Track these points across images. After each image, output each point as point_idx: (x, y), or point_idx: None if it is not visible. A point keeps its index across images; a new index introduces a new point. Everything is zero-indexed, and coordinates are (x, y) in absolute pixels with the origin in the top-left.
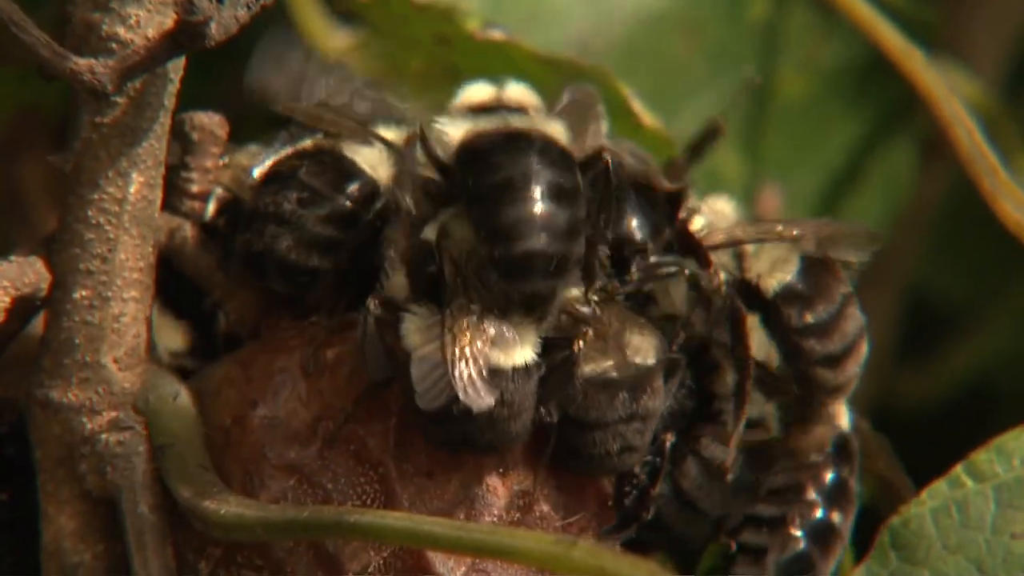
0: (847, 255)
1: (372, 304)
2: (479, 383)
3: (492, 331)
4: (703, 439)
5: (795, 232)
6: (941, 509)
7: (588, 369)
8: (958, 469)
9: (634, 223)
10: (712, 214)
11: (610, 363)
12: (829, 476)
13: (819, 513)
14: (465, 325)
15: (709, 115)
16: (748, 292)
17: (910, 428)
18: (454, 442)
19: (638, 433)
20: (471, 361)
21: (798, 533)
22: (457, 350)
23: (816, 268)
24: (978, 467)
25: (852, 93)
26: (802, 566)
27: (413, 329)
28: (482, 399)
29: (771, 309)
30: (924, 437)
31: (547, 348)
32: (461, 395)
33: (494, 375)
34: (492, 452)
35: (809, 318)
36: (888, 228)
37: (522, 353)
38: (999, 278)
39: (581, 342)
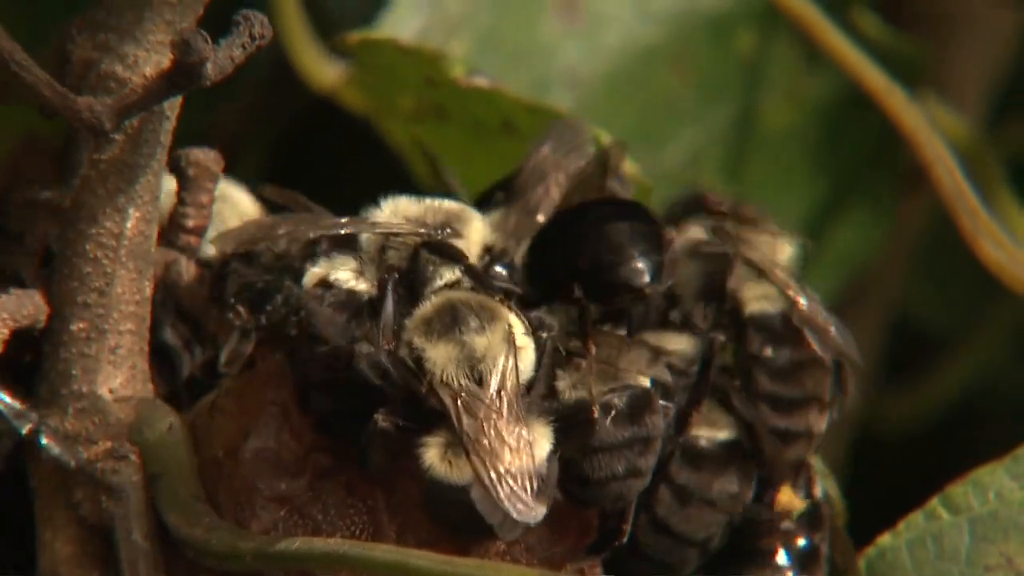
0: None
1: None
2: (527, 497)
3: (513, 441)
4: (673, 466)
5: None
6: (917, 541)
7: (585, 394)
8: (934, 502)
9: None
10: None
11: (607, 387)
12: (800, 542)
13: None
14: (487, 445)
15: (697, 145)
16: (729, 311)
17: (893, 448)
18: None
19: (642, 456)
20: (511, 478)
21: None
22: (494, 474)
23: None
24: (954, 500)
25: (835, 125)
26: None
27: (435, 457)
28: (535, 511)
29: (741, 329)
30: (907, 457)
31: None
32: (516, 516)
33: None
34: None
35: (769, 352)
36: (870, 256)
37: (542, 446)
38: (979, 305)
39: (595, 408)
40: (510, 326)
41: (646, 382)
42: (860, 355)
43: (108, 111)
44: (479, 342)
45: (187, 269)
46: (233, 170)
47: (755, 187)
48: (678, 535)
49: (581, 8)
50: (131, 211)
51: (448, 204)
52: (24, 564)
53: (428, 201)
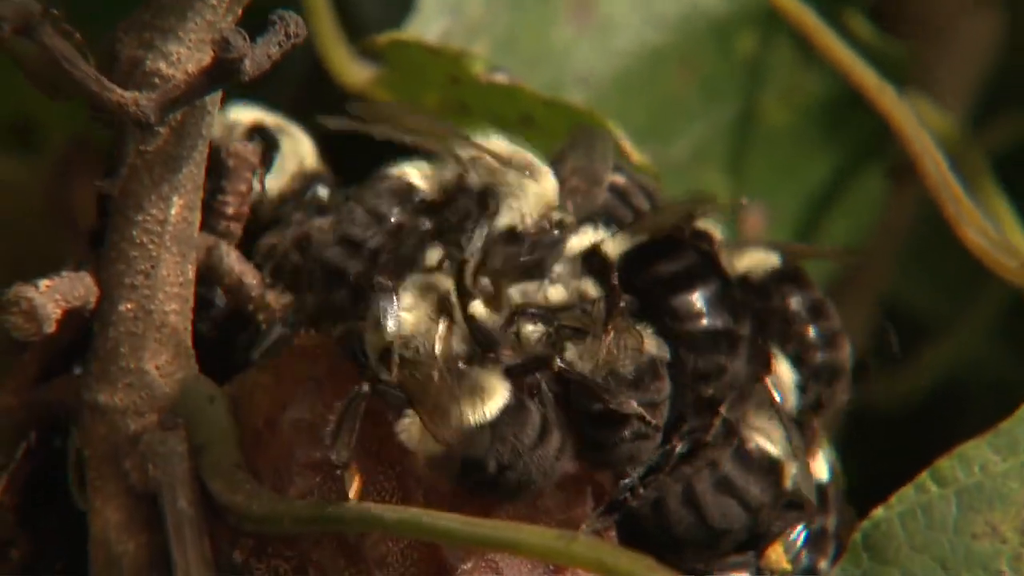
0: None
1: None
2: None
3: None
4: (722, 455)
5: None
6: (908, 513)
7: (594, 364)
8: (924, 476)
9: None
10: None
11: (615, 356)
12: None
13: (805, 560)
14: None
15: (701, 143)
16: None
17: (884, 427)
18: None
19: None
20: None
21: None
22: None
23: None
24: (942, 473)
25: (830, 122)
26: None
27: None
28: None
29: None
30: (897, 434)
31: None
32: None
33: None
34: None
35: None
36: (863, 245)
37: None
38: (965, 290)
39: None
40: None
41: (653, 348)
42: (853, 338)
43: (153, 105)
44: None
45: (227, 253)
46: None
47: (755, 179)
48: (704, 515)
49: (593, 13)
50: (175, 199)
51: (531, 156)
52: (65, 531)
53: (516, 147)
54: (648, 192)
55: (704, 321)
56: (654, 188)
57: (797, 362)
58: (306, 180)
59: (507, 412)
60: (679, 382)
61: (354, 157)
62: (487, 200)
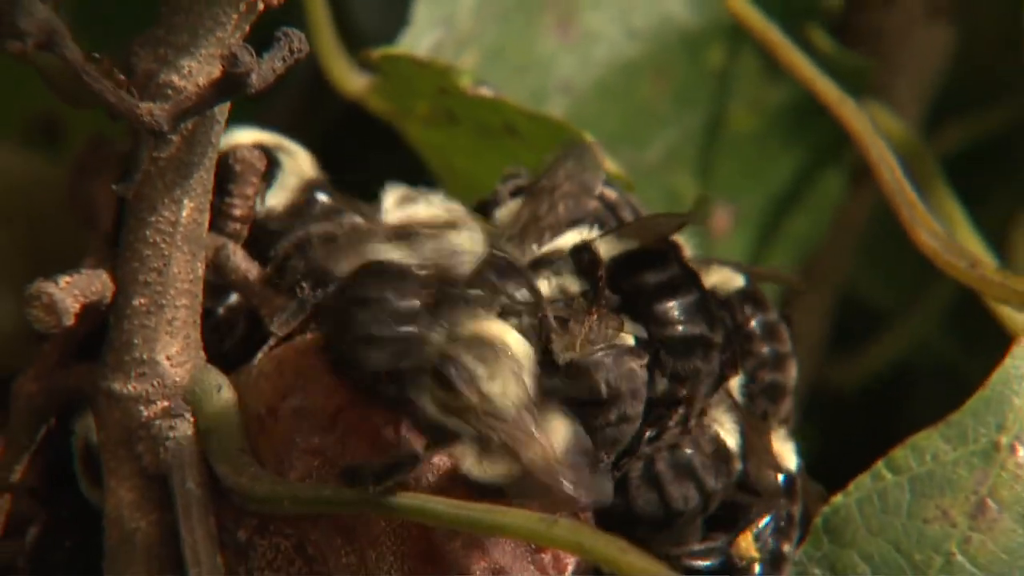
0: None
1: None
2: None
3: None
4: (683, 439)
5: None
6: (865, 499)
7: (578, 354)
8: (879, 464)
9: None
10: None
11: (598, 346)
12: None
13: (771, 545)
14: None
15: (673, 147)
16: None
17: (840, 410)
18: None
19: (630, 404)
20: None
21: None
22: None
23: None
24: (896, 462)
25: (793, 129)
26: None
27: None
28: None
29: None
30: (852, 420)
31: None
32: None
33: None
34: None
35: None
36: (822, 242)
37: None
38: (917, 283)
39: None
40: (510, 351)
41: (631, 340)
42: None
43: (166, 115)
44: (494, 390)
45: (234, 252)
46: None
47: (723, 181)
48: (665, 494)
49: (574, 27)
50: (186, 202)
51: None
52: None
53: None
54: (636, 210)
55: (683, 327)
56: (642, 207)
57: (748, 377)
58: (307, 190)
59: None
60: (653, 378)
61: (353, 167)
62: None
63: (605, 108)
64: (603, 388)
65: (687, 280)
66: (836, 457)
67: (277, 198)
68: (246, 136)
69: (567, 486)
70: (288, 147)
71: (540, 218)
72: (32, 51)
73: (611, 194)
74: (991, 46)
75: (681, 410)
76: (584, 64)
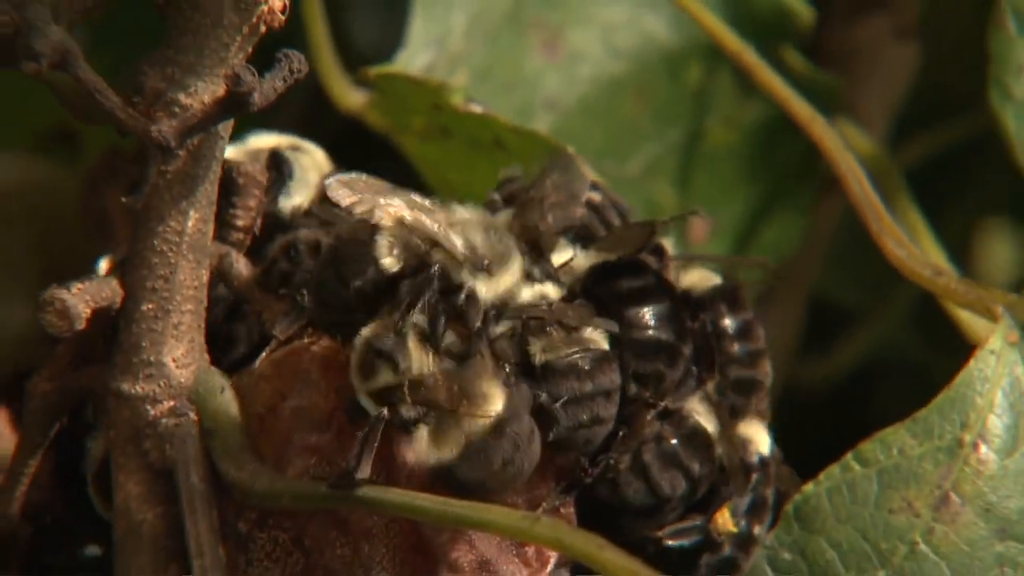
0: None
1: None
2: None
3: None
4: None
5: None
6: (834, 489)
7: (554, 356)
8: (848, 457)
9: None
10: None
11: (573, 349)
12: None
13: (743, 526)
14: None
15: (654, 161)
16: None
17: (811, 406)
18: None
19: (603, 406)
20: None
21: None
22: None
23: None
24: (864, 455)
25: (767, 144)
26: (727, 568)
27: (425, 445)
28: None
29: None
30: (823, 413)
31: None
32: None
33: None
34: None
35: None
36: (793, 248)
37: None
38: (882, 285)
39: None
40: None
41: (605, 345)
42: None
43: (173, 131)
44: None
45: (237, 260)
46: None
47: (700, 193)
48: (652, 482)
49: (560, 46)
50: (191, 213)
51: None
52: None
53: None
54: (620, 208)
55: (651, 332)
56: (626, 204)
57: (721, 373)
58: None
59: (505, 411)
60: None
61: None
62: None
63: (589, 124)
64: (577, 389)
65: (659, 289)
66: (807, 451)
67: (302, 196)
68: (264, 141)
69: None
70: (306, 147)
71: (531, 228)
72: (47, 71)
73: (596, 197)
74: (954, 64)
75: (650, 414)
76: (569, 82)
